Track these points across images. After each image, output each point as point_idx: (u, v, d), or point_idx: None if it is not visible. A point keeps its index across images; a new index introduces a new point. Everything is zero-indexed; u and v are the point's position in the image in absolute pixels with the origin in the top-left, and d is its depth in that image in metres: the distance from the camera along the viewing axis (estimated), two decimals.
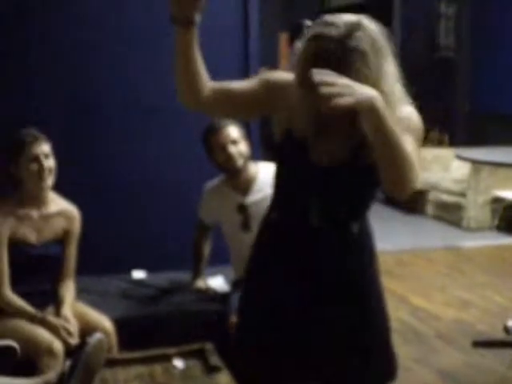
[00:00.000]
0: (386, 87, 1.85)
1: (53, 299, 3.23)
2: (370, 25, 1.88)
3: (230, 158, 3.34)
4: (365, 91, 1.67)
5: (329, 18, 1.88)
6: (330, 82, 1.62)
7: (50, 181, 3.15)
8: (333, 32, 1.82)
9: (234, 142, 3.35)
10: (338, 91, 1.61)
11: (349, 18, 1.87)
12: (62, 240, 3.27)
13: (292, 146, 2.03)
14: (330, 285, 2.10)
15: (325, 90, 1.61)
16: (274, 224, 2.16)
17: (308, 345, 2.12)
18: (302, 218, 2.06)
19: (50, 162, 3.14)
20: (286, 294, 2.12)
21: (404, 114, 1.94)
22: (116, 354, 3.10)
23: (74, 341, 2.99)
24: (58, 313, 3.14)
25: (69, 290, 3.26)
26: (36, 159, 3.10)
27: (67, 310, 3.14)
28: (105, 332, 3.03)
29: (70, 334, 3.01)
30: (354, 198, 2.06)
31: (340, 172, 1.99)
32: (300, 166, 2.04)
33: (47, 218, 3.21)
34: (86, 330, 3.00)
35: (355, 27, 1.83)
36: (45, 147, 3.14)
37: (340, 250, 2.09)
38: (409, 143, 1.83)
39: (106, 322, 3.17)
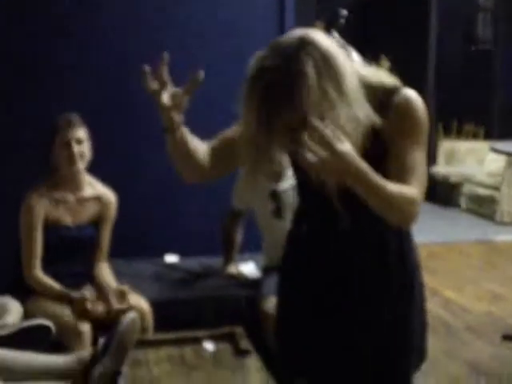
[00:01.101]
0: (339, 107, 1.68)
1: (84, 281, 3.26)
2: (315, 40, 1.70)
3: None
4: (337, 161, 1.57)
5: (269, 46, 1.74)
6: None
7: (81, 165, 3.18)
8: (272, 62, 1.69)
9: None
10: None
11: (291, 38, 1.71)
12: (96, 223, 3.32)
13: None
14: (375, 283, 2.02)
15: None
16: (306, 236, 2.10)
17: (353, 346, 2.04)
18: (331, 225, 1.96)
19: (82, 148, 3.16)
20: (328, 303, 2.04)
21: (400, 109, 1.83)
22: (151, 333, 3.15)
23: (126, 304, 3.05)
24: (102, 296, 3.14)
25: (106, 272, 3.32)
26: (67, 144, 3.13)
27: (113, 285, 3.20)
28: (142, 312, 3.08)
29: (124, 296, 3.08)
30: None
31: None
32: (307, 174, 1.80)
33: (83, 201, 3.26)
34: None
35: (297, 48, 1.68)
36: (79, 132, 3.16)
37: (378, 245, 2.00)
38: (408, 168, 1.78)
39: (142, 303, 3.21)
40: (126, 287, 3.15)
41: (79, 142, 3.16)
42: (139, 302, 3.21)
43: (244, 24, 4.25)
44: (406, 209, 1.74)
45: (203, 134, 2.01)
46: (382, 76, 1.90)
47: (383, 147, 1.83)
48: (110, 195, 3.35)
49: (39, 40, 4.00)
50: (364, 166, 1.63)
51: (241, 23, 4.25)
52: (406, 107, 1.84)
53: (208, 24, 4.19)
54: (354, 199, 1.73)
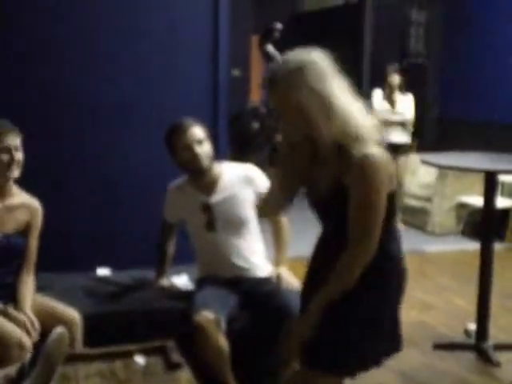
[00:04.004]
0: None
1: (14, 293, 3.18)
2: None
3: (196, 158, 3.34)
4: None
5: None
6: None
7: (16, 173, 3.16)
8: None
9: (200, 142, 3.35)
10: None
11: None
12: (24, 232, 3.26)
13: None
14: None
15: None
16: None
17: None
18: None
19: (19, 155, 3.15)
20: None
21: (355, 171, 2.19)
22: (81, 345, 3.11)
23: (34, 336, 2.98)
24: (17, 308, 3.11)
25: (28, 285, 3.23)
26: (8, 150, 3.10)
27: (26, 306, 3.11)
28: (72, 323, 3.06)
29: (33, 327, 3.00)
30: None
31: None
32: None
33: (10, 209, 3.21)
34: (53, 321, 2.96)
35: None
36: (17, 140, 3.14)
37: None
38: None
39: (73, 313, 3.16)
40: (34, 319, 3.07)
41: (17, 149, 3.14)
42: (69, 312, 3.17)
43: (178, 37, 4.23)
44: (350, 274, 2.26)
45: None
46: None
47: (344, 193, 2.21)
48: (36, 203, 3.31)
49: None
50: (310, 311, 2.33)
51: (175, 37, 4.23)
52: (360, 171, 2.17)
53: (143, 37, 4.17)
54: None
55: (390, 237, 2.35)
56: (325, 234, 2.46)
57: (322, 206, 2.37)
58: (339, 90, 2.22)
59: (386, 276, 2.36)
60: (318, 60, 2.23)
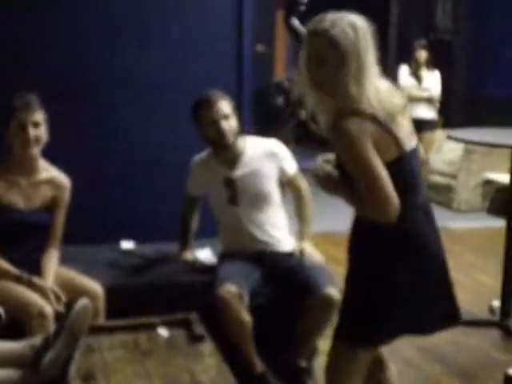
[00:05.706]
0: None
1: (38, 268, 3.19)
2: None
3: (221, 133, 3.34)
4: None
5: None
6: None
7: (36, 150, 3.13)
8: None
9: (226, 117, 3.34)
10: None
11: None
12: (50, 208, 3.26)
13: None
14: None
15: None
16: None
17: None
18: None
19: (38, 131, 3.10)
20: None
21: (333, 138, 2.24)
22: (103, 318, 3.13)
23: (59, 307, 2.99)
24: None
25: (52, 260, 3.24)
26: (23, 127, 3.07)
27: (49, 278, 3.13)
28: (94, 295, 3.07)
29: (58, 297, 3.02)
30: None
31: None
32: None
33: (36, 184, 3.21)
34: (75, 294, 2.97)
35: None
36: (36, 116, 3.10)
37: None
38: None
39: (95, 286, 3.18)
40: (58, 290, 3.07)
41: (36, 125, 3.10)
42: (92, 285, 3.19)
43: (203, 12, 4.21)
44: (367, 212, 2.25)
45: None
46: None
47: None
48: (63, 179, 3.31)
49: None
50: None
51: (199, 12, 4.20)
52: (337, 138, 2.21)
53: (169, 13, 4.14)
54: None
55: (408, 212, 2.28)
56: None
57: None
58: (373, 63, 2.26)
59: (398, 251, 2.36)
60: (366, 27, 2.28)
